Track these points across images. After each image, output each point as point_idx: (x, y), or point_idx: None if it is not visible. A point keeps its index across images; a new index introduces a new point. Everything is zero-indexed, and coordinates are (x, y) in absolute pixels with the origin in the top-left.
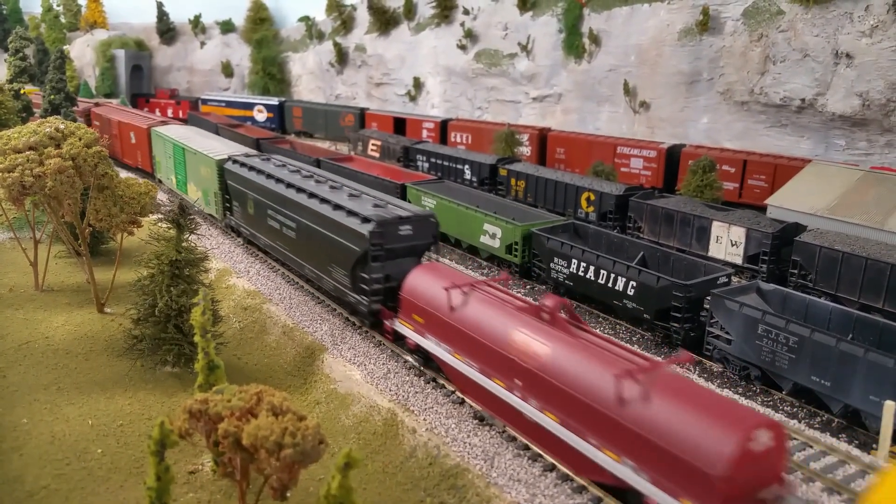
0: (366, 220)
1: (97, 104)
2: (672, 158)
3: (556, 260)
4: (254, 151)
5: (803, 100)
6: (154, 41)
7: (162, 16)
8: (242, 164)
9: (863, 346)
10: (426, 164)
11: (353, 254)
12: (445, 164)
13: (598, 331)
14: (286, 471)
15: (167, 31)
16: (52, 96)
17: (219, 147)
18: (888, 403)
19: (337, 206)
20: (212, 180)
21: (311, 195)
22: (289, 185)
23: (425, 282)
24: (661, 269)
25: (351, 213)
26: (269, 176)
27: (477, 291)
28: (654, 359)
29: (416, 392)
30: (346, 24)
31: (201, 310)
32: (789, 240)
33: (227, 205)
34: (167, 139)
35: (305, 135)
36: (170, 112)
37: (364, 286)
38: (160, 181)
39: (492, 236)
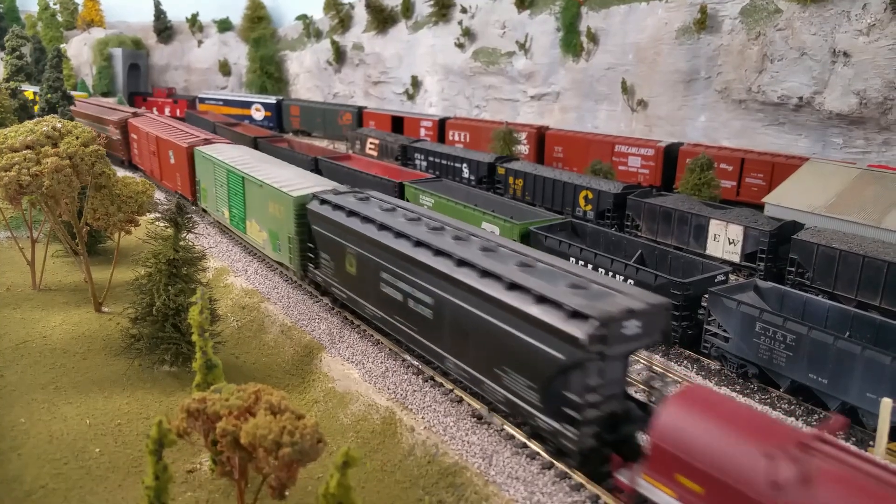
0: (577, 314)
1: (135, 114)
2: (670, 157)
3: None
4: (344, 187)
5: (801, 98)
6: (151, 40)
7: (159, 14)
8: (336, 206)
9: (860, 343)
10: (424, 163)
11: (550, 362)
12: (443, 162)
13: None
14: (285, 470)
15: (164, 29)
16: (49, 95)
17: (294, 179)
18: (885, 401)
19: (513, 286)
20: (285, 222)
21: (462, 262)
22: (419, 244)
23: (707, 427)
24: (659, 267)
25: (543, 299)
26: (383, 226)
27: (820, 459)
28: None
29: (415, 390)
30: (344, 22)
31: (199, 309)
32: (787, 238)
33: (311, 255)
34: (218, 163)
35: (303, 133)
36: (167, 111)
37: (571, 411)
38: (204, 211)
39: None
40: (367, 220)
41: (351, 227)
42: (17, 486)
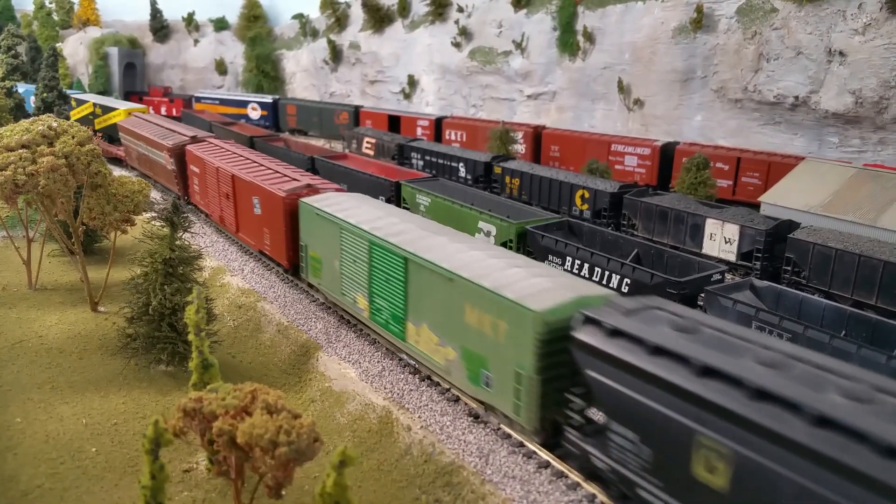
0: None
1: (194, 139)
2: (666, 156)
3: (550, 257)
4: (630, 301)
5: (797, 97)
6: (147, 39)
7: (155, 13)
8: (632, 338)
9: (856, 342)
10: (421, 162)
11: None
12: (440, 161)
13: None
14: (281, 469)
15: (160, 28)
16: (45, 94)
17: (507, 270)
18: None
19: None
20: (510, 347)
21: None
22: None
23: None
24: (655, 266)
25: None
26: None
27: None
28: None
29: (411, 390)
30: (341, 21)
31: (195, 308)
32: (783, 237)
33: (579, 418)
34: (350, 230)
35: (300, 133)
36: (163, 110)
37: None
38: (310, 285)
39: (486, 234)
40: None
41: (682, 386)
42: (12, 485)
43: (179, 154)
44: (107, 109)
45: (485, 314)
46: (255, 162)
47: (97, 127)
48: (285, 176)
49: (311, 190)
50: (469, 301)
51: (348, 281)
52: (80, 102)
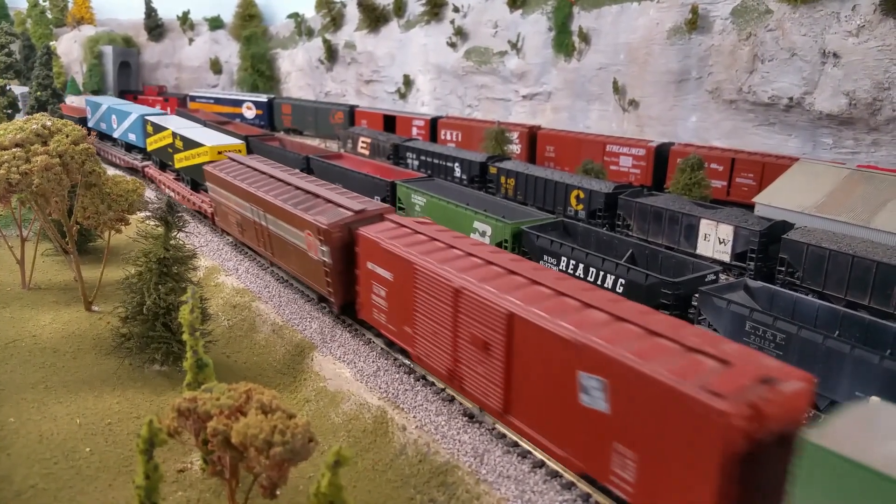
0: None
1: (364, 214)
2: (661, 156)
3: (545, 257)
4: None
5: (791, 98)
6: (142, 37)
7: (150, 12)
8: None
9: (849, 342)
10: (416, 162)
11: None
12: (435, 161)
13: None
14: (276, 469)
15: (155, 27)
16: (39, 93)
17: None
18: (873, 399)
19: None
20: None
21: None
22: None
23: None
24: (650, 266)
25: None
26: None
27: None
28: None
29: (406, 390)
30: (336, 20)
31: (190, 308)
32: (777, 237)
33: None
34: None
35: (295, 132)
36: (157, 108)
37: None
38: None
39: (482, 234)
40: None
41: None
42: (6, 486)
43: (342, 240)
44: (190, 143)
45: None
46: (535, 281)
47: (177, 165)
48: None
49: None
50: None
51: None
52: (158, 129)
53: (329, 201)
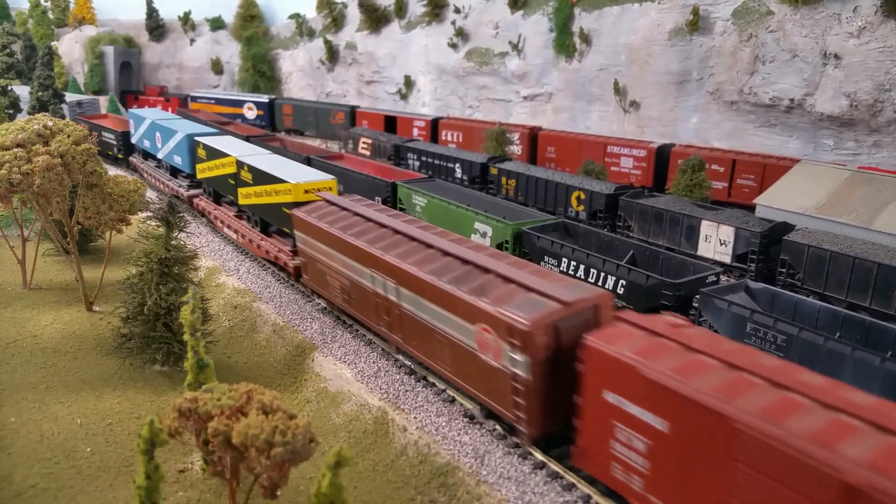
0: None
1: (573, 308)
2: (662, 158)
3: (546, 258)
4: None
5: (792, 100)
6: (143, 38)
7: (151, 12)
8: None
9: (850, 344)
10: (417, 163)
11: None
12: (436, 162)
13: None
14: (276, 469)
15: (156, 27)
16: (40, 93)
17: None
18: None
19: None
20: None
21: None
22: None
23: None
24: (651, 267)
25: None
26: None
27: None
28: None
29: (407, 390)
30: (337, 21)
31: (191, 308)
32: (778, 239)
33: None
34: None
35: (295, 133)
36: (159, 108)
37: None
38: None
39: (482, 235)
40: None
41: None
42: (6, 485)
43: (548, 347)
44: (264, 177)
45: None
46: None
47: (242, 202)
48: None
49: None
50: None
51: None
52: (215, 154)
53: (508, 279)
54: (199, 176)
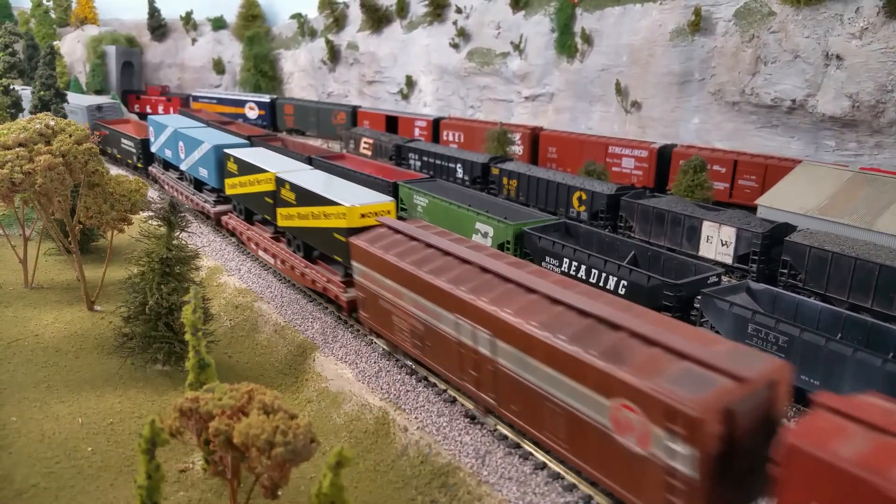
0: None
1: (748, 388)
2: (663, 158)
3: (547, 259)
4: None
5: (794, 101)
6: (145, 37)
7: (153, 12)
8: None
9: (851, 345)
10: (418, 163)
11: None
12: (438, 162)
13: None
14: (277, 469)
15: (158, 27)
16: (42, 93)
17: None
18: None
19: None
20: None
21: None
22: None
23: None
24: (652, 268)
25: None
26: None
27: None
28: None
29: (408, 390)
30: (339, 21)
31: (192, 308)
32: (779, 240)
33: None
34: None
35: (297, 132)
36: (160, 109)
37: None
38: None
39: (484, 235)
40: None
41: None
42: (7, 485)
43: (722, 438)
44: (312, 198)
45: None
46: None
47: (283, 224)
48: None
49: None
50: None
51: None
52: (249, 168)
53: (650, 341)
54: (229, 192)
